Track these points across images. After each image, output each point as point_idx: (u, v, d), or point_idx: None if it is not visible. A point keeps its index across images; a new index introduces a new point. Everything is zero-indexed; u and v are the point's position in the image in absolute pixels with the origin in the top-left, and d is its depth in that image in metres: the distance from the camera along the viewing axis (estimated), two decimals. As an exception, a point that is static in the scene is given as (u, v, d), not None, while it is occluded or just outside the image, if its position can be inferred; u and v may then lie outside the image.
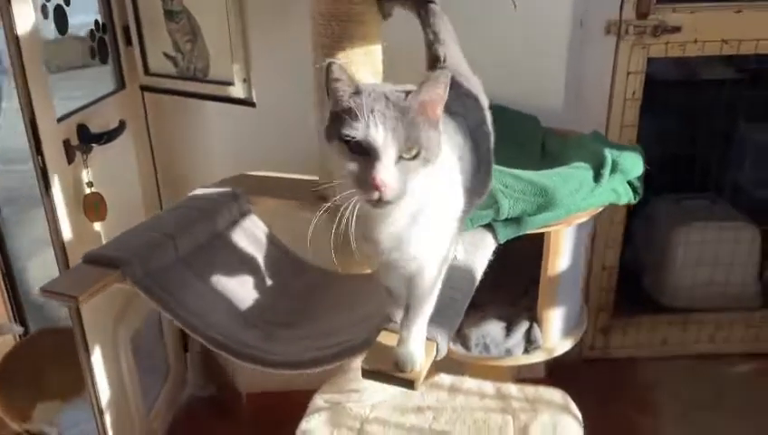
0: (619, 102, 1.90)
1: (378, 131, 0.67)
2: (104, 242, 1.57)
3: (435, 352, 0.85)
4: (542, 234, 1.31)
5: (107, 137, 1.53)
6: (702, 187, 2.55)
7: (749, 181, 2.56)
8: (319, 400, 1.41)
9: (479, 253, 1.04)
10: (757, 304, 2.31)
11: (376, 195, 0.68)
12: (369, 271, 1.27)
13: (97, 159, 1.50)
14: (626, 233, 2.10)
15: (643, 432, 1.94)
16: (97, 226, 1.54)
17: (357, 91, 0.70)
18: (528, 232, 1.17)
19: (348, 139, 0.69)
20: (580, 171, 1.22)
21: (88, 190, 1.48)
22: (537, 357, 1.40)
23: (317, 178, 1.33)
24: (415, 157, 0.69)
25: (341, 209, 0.71)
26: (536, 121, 1.50)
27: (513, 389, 1.41)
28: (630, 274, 2.28)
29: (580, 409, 1.36)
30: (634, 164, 1.27)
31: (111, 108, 1.60)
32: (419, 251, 0.79)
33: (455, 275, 0.88)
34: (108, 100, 1.57)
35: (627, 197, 1.31)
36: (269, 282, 1.24)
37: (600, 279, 2.11)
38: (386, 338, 0.87)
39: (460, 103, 0.88)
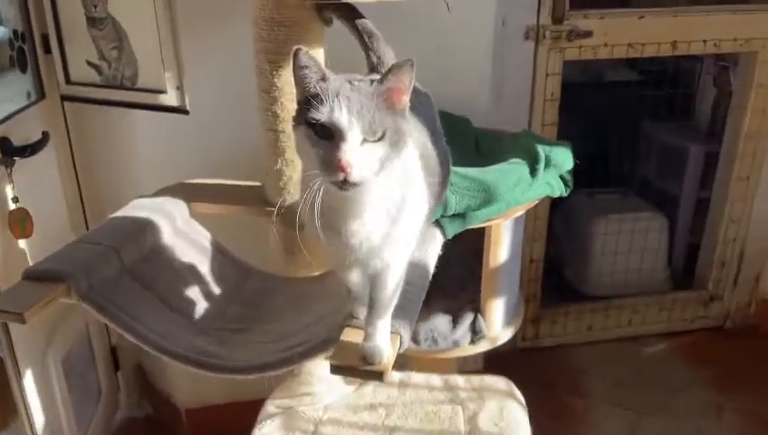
0: (540, 103, 2.01)
1: (342, 113, 0.69)
2: (30, 261, 1.49)
3: (399, 345, 0.88)
4: (477, 228, 1.37)
5: (30, 150, 1.46)
6: (613, 181, 2.73)
7: (654, 175, 2.76)
8: (270, 406, 1.40)
9: (430, 248, 1.08)
10: (668, 288, 2.50)
11: (341, 175, 0.69)
12: (316, 273, 1.28)
13: (21, 173, 1.43)
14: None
15: (577, 413, 2.06)
16: (22, 243, 1.46)
17: (323, 78, 0.72)
18: (472, 226, 1.22)
19: (314, 122, 0.70)
20: (517, 167, 1.29)
21: (13, 206, 1.40)
22: (482, 347, 1.46)
23: (259, 184, 1.33)
24: (380, 139, 0.71)
25: (307, 194, 0.72)
26: (468, 122, 1.56)
27: (459, 380, 1.46)
28: (553, 266, 2.40)
29: (518, 397, 1.43)
30: (565, 158, 1.36)
31: (33, 119, 1.52)
32: (391, 251, 0.81)
33: (411, 270, 0.91)
34: (29, 111, 1.50)
35: (559, 189, 1.40)
36: (216, 289, 1.22)
37: (528, 272, 2.21)
38: (350, 335, 0.89)
39: (416, 101, 0.92)
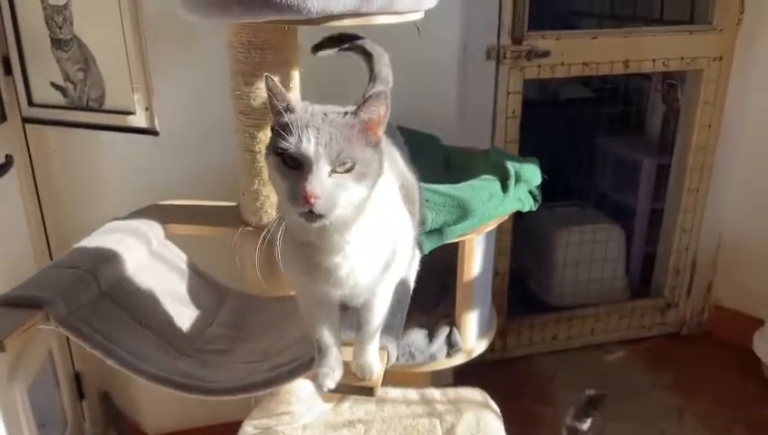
0: (502, 120, 2.07)
1: (310, 144, 0.68)
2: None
3: (387, 360, 0.89)
4: (448, 244, 1.41)
5: (-6, 173, 1.42)
6: (571, 195, 2.81)
7: (610, 187, 2.86)
8: (248, 426, 1.39)
9: (410, 264, 1.10)
10: (626, 296, 2.59)
11: (306, 208, 0.68)
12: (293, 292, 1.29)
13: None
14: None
15: (545, 421, 2.10)
16: (-16, 271, 1.42)
17: (288, 108, 0.72)
18: (448, 241, 1.25)
19: (281, 151, 0.70)
20: (489, 183, 1.33)
21: (-23, 232, 1.36)
22: (458, 359, 1.49)
23: (234, 205, 1.33)
24: (349, 171, 0.70)
25: (278, 225, 0.72)
26: (437, 140, 1.61)
27: (435, 393, 1.48)
28: (517, 278, 2.46)
29: (489, 407, 1.46)
30: (534, 174, 1.41)
31: (-4, 142, 1.49)
32: (382, 285, 0.81)
33: (396, 288, 0.93)
34: (-9, 134, 1.47)
35: (529, 204, 1.45)
36: (195, 311, 1.22)
37: (494, 285, 2.25)
38: (338, 351, 0.90)
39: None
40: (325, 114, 0.71)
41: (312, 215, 0.69)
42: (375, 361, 0.87)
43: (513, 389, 2.22)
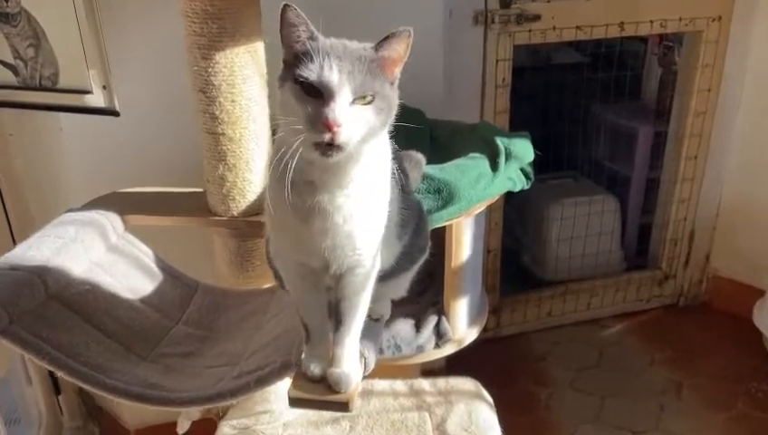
0: (491, 90, 1.96)
1: (333, 72, 0.67)
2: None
3: (364, 368, 0.80)
4: (439, 227, 1.31)
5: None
6: (564, 165, 2.71)
7: (603, 157, 2.76)
8: (226, 427, 1.30)
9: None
10: (622, 269, 2.51)
11: (327, 136, 0.66)
12: (267, 285, 1.19)
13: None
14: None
15: (541, 401, 2.04)
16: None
17: (312, 37, 0.70)
18: (433, 227, 1.15)
19: (302, 80, 0.67)
20: (477, 162, 1.22)
21: None
22: (448, 350, 1.41)
23: (201, 191, 1.23)
24: (369, 103, 0.68)
25: (281, 155, 0.68)
26: (422, 114, 1.49)
27: (425, 384, 1.40)
28: (510, 254, 2.37)
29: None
30: (525, 151, 1.30)
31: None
32: (368, 243, 0.76)
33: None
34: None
35: (521, 183, 1.35)
36: (159, 309, 1.12)
37: (486, 262, 2.17)
38: (310, 358, 0.81)
39: None
40: (345, 45, 0.71)
41: (328, 147, 0.67)
42: (353, 370, 0.78)
43: (507, 369, 2.16)
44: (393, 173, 0.78)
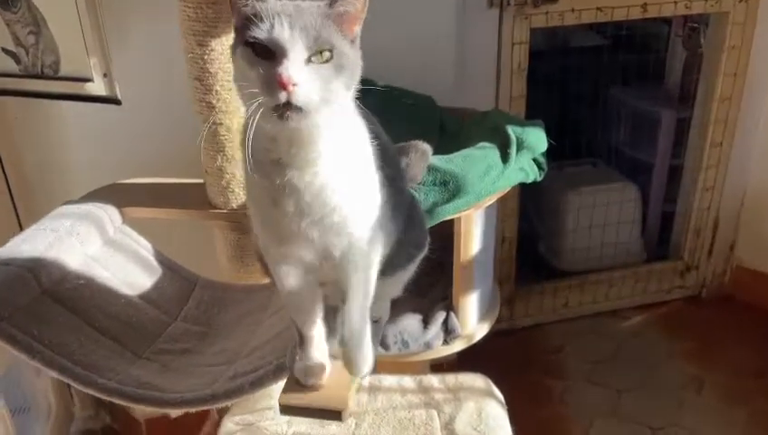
0: (507, 75, 1.89)
1: (283, 29, 0.63)
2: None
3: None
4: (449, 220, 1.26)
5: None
6: (583, 152, 2.64)
7: (624, 143, 2.68)
8: (229, 423, 1.28)
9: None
10: (642, 259, 2.44)
11: (283, 96, 0.61)
12: (268, 280, 1.16)
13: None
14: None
15: (555, 395, 2.00)
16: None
17: None
18: (440, 220, 1.11)
19: (253, 41, 0.64)
20: (486, 152, 1.17)
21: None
22: (456, 346, 1.36)
23: (201, 182, 1.19)
24: (327, 61, 0.64)
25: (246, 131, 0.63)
26: (432, 101, 1.44)
27: (434, 380, 1.36)
28: (526, 242, 2.31)
29: (495, 382, 1.34)
30: (538, 140, 1.24)
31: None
32: (345, 201, 0.71)
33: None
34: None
35: (533, 174, 1.29)
36: (158, 305, 1.09)
37: (500, 252, 2.12)
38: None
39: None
40: (298, 4, 0.66)
41: (286, 110, 0.62)
42: (367, 351, 0.77)
43: (521, 361, 2.11)
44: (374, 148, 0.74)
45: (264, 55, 0.63)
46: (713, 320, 2.31)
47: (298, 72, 0.62)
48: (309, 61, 0.63)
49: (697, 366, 2.07)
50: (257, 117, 0.62)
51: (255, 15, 0.64)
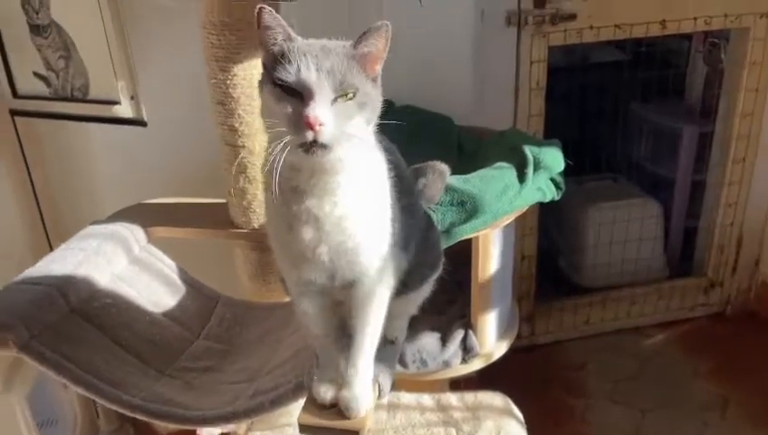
0: (525, 93, 1.90)
1: (310, 72, 0.66)
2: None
3: (377, 393, 0.77)
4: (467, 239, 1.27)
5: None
6: (602, 168, 2.62)
7: (645, 159, 2.66)
8: (250, 439, 1.30)
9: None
10: (665, 276, 2.41)
11: (310, 135, 0.64)
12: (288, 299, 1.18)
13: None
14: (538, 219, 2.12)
15: (576, 413, 1.97)
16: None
17: (289, 38, 0.69)
18: (458, 240, 1.12)
19: (280, 83, 0.66)
20: (503, 172, 1.18)
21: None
22: (475, 365, 1.36)
23: (225, 201, 1.22)
24: (351, 99, 0.67)
25: (271, 164, 0.66)
26: (450, 121, 1.45)
27: (452, 398, 1.36)
28: (546, 258, 2.30)
29: (514, 400, 1.34)
30: (555, 160, 1.25)
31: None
32: (370, 254, 0.73)
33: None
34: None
35: (551, 194, 1.29)
36: (182, 323, 1.12)
37: (519, 269, 2.11)
38: (323, 380, 0.79)
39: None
40: (323, 45, 0.69)
41: (312, 147, 0.65)
42: (365, 394, 0.75)
43: (542, 378, 2.09)
44: (391, 179, 0.76)
45: (292, 94, 0.66)
46: (737, 338, 2.27)
47: (325, 112, 0.65)
48: (335, 101, 0.66)
49: (722, 386, 2.04)
50: (285, 154, 0.65)
51: (283, 56, 0.67)
